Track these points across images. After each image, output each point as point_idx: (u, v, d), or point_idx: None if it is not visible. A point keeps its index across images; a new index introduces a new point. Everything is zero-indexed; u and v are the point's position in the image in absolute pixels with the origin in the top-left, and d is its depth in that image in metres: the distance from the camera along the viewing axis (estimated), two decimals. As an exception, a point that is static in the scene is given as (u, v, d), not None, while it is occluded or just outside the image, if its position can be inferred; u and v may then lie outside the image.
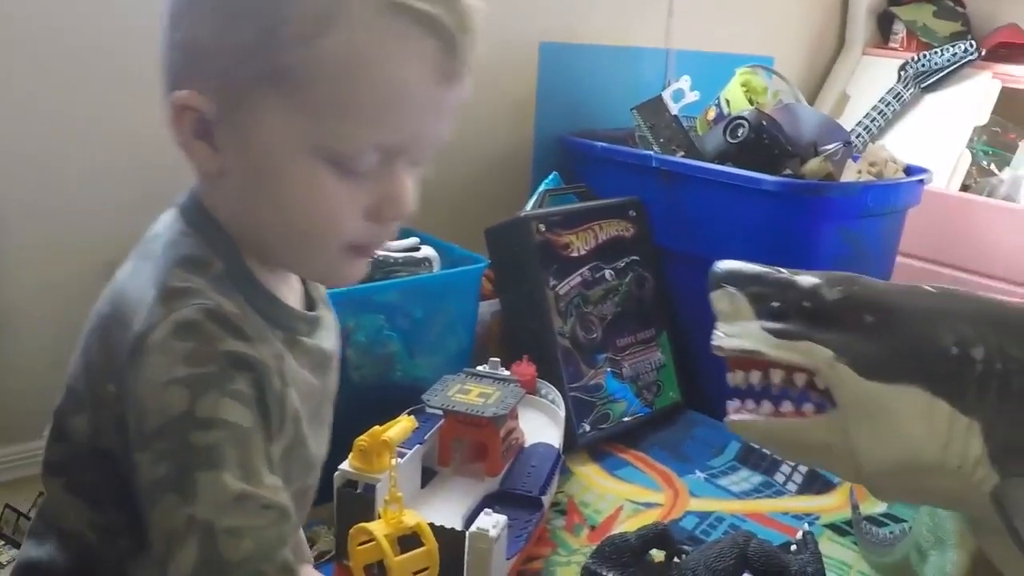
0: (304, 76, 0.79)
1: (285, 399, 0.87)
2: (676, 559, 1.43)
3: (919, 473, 1.09)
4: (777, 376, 1.12)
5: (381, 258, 1.85)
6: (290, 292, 0.95)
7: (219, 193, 0.88)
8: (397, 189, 0.86)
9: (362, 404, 1.59)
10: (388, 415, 1.48)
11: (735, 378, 1.16)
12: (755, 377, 1.14)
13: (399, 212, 0.87)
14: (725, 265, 1.17)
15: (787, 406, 1.13)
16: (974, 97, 2.99)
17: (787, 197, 2.00)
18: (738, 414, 1.15)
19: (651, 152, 2.22)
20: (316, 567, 1.49)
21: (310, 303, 1.00)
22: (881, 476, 1.11)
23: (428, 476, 1.62)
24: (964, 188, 2.90)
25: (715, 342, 1.15)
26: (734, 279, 1.15)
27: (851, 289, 1.12)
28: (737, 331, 1.14)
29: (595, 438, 2.00)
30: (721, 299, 1.16)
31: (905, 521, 1.69)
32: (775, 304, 1.12)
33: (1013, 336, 1.10)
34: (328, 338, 1.00)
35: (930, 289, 1.16)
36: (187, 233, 0.89)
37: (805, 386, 1.12)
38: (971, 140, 2.96)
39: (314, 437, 0.96)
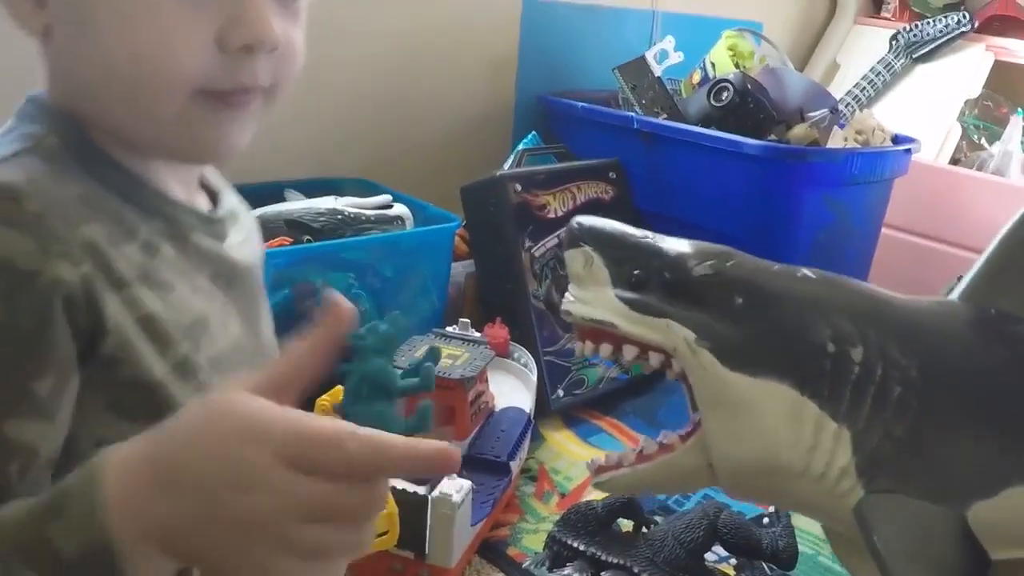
0: None
1: (105, 306, 0.69)
2: (644, 529, 1.40)
3: (779, 477, 0.99)
4: (630, 353, 1.02)
5: (352, 215, 1.81)
6: (178, 186, 0.80)
7: (52, 66, 0.75)
8: (243, 7, 0.71)
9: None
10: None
11: (585, 349, 1.06)
12: (606, 351, 1.03)
13: (250, 36, 0.71)
14: (584, 221, 1.06)
15: (649, 445, 1.03)
16: (966, 70, 2.96)
17: (770, 162, 1.97)
18: (601, 474, 1.06)
19: (632, 113, 2.18)
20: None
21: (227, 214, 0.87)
22: (737, 476, 1.01)
23: (394, 438, 1.58)
24: (954, 161, 2.87)
25: (565, 307, 1.05)
26: (592, 238, 1.04)
27: (722, 265, 1.01)
28: (590, 297, 1.03)
29: (569, 404, 1.96)
30: (576, 259, 1.04)
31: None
32: (635, 272, 1.01)
33: (897, 338, 1.00)
34: (240, 249, 0.87)
35: (811, 275, 1.04)
36: (16, 124, 0.75)
37: (661, 368, 1.02)
38: (962, 113, 2.94)
39: (237, 363, 0.80)
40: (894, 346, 0.98)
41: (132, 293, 0.70)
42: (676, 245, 1.02)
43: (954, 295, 1.10)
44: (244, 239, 0.89)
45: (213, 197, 0.87)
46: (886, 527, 0.96)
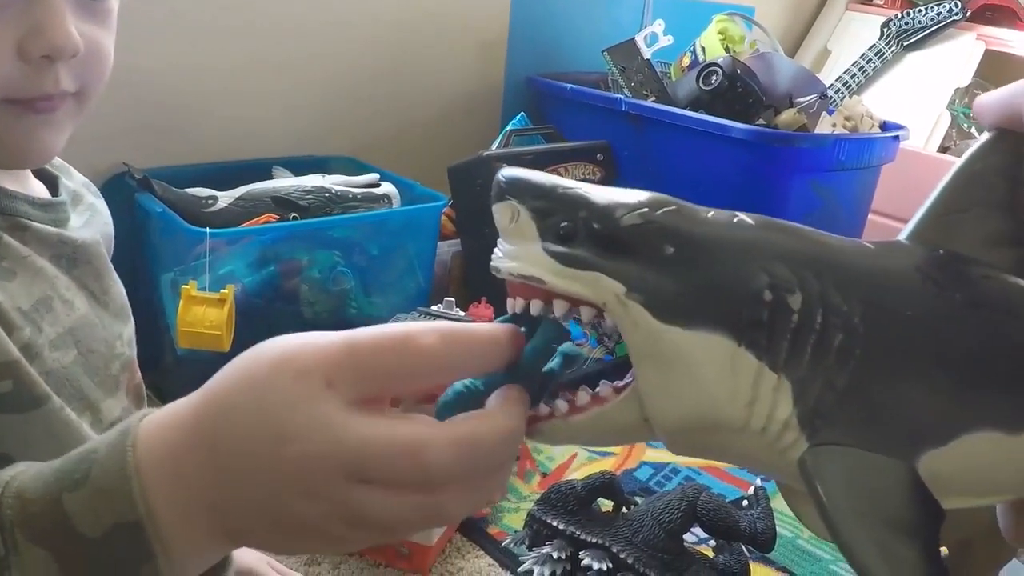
0: None
1: None
2: (624, 509, 1.40)
3: (719, 432, 0.91)
4: (560, 308, 0.92)
5: (339, 193, 1.81)
6: (8, 179, 0.82)
7: None
8: (41, 14, 0.72)
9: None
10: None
11: (515, 305, 0.96)
12: (536, 307, 0.93)
13: (48, 45, 0.72)
14: (509, 173, 0.95)
15: (582, 397, 0.92)
16: (957, 58, 2.96)
17: (757, 146, 1.96)
18: (533, 424, 0.93)
19: (621, 96, 2.18)
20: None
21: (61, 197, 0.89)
22: (675, 432, 0.92)
23: (378, 416, 1.58)
24: (943, 149, 2.87)
25: (493, 262, 0.93)
26: (518, 190, 0.94)
27: (652, 215, 0.91)
28: (518, 252, 0.93)
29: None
30: (503, 212, 0.94)
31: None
32: (563, 224, 0.92)
33: (838, 282, 0.92)
34: (83, 230, 0.89)
35: (748, 220, 0.95)
36: None
37: (592, 323, 0.92)
38: (952, 101, 2.94)
39: (76, 343, 0.83)
40: (835, 292, 0.92)
41: None
42: (607, 195, 0.92)
43: (901, 236, 1.07)
44: (88, 219, 0.91)
45: (52, 183, 0.90)
46: (831, 480, 0.90)
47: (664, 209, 0.89)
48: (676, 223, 0.89)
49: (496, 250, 0.94)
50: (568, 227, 0.89)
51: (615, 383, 0.90)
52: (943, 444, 0.93)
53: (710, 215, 0.92)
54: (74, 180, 0.96)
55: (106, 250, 0.95)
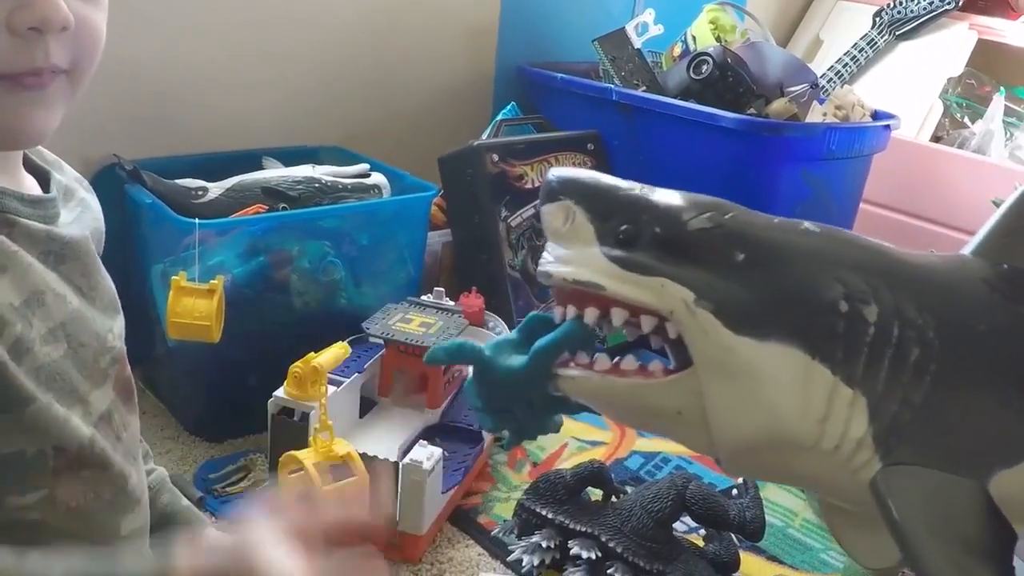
0: None
1: None
2: (614, 499, 1.41)
3: (786, 451, 0.91)
4: (619, 317, 0.93)
5: (329, 183, 1.81)
6: (4, 176, 0.82)
7: None
8: None
9: (305, 331, 1.58)
10: (331, 343, 1.46)
11: (566, 313, 0.96)
12: (591, 316, 0.93)
13: (36, 17, 0.72)
14: (564, 173, 0.97)
15: (629, 362, 0.94)
16: (949, 48, 2.95)
17: (747, 135, 1.97)
18: (567, 368, 0.96)
19: (611, 85, 2.18)
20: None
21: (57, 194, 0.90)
22: (739, 451, 0.93)
23: (368, 407, 1.59)
24: (936, 139, 2.87)
25: (544, 268, 0.96)
26: (574, 191, 0.95)
27: (720, 218, 0.92)
28: (573, 257, 0.93)
29: (544, 374, 1.97)
30: (556, 214, 0.95)
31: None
32: (623, 227, 0.92)
33: (912, 295, 0.92)
34: (73, 226, 0.89)
35: (814, 228, 0.96)
36: None
37: (654, 333, 0.93)
38: (945, 91, 2.93)
39: (67, 337, 0.84)
40: (910, 304, 0.92)
41: None
42: (667, 197, 0.94)
43: (966, 250, 1.03)
44: (78, 215, 0.92)
45: (44, 178, 0.90)
46: (906, 502, 0.89)
47: (731, 214, 0.92)
48: (745, 229, 0.92)
49: (545, 254, 0.97)
50: (629, 230, 0.92)
51: (666, 363, 0.95)
52: (1015, 464, 0.93)
53: (776, 221, 0.95)
54: (66, 175, 0.96)
55: (96, 245, 0.95)
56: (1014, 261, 0.99)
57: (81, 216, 0.93)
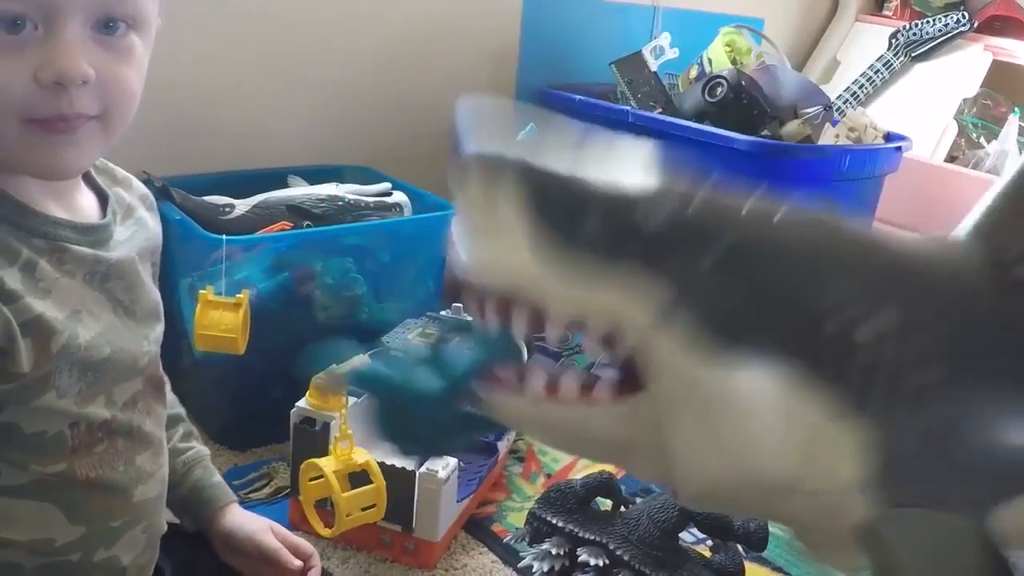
0: None
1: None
2: (622, 508, 1.45)
3: (762, 493, 0.76)
4: (555, 331, 0.75)
5: (352, 202, 1.85)
6: (56, 204, 0.93)
7: None
8: (53, 49, 0.82)
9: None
10: (352, 357, 1.49)
11: (487, 323, 0.77)
12: (520, 327, 0.75)
13: (54, 73, 0.82)
14: (484, 135, 0.76)
15: (568, 383, 0.76)
16: (964, 69, 2.98)
17: (760, 157, 2.00)
18: (495, 393, 0.79)
19: (628, 108, 2.22)
20: (274, 504, 1.53)
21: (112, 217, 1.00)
22: (704, 494, 0.78)
23: (387, 418, 1.62)
24: (951, 159, 2.89)
25: (466, 264, 0.76)
26: (500, 164, 0.74)
27: (685, 207, 0.73)
28: (499, 253, 0.74)
29: (559, 388, 2.00)
30: (475, 195, 0.74)
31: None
32: (567, 216, 0.72)
33: (917, 306, 0.76)
34: (124, 245, 1.00)
35: (798, 216, 0.78)
36: None
37: (602, 347, 0.76)
38: (960, 111, 2.96)
39: (108, 343, 0.95)
40: (915, 317, 0.75)
41: (21, 304, 0.86)
42: (624, 175, 0.74)
43: (961, 229, 0.86)
44: (132, 234, 1.02)
45: (105, 198, 1.01)
46: (907, 551, 0.76)
47: (699, 200, 0.73)
48: (719, 221, 0.73)
49: (464, 246, 0.76)
50: (574, 218, 0.71)
51: (614, 376, 0.76)
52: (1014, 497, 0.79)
53: (754, 208, 0.76)
54: (133, 192, 1.08)
55: (151, 257, 1.07)
56: (1012, 242, 0.82)
57: (134, 235, 1.03)
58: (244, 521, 1.18)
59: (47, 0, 0.81)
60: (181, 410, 1.23)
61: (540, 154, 0.74)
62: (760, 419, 0.71)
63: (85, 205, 0.98)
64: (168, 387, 1.19)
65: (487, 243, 0.75)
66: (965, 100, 2.96)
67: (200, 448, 1.22)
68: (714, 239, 0.72)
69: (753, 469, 0.72)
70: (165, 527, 1.09)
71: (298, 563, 1.15)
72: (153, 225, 1.08)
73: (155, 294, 1.05)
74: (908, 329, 0.74)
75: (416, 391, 0.81)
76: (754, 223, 0.74)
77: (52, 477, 0.91)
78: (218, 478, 1.20)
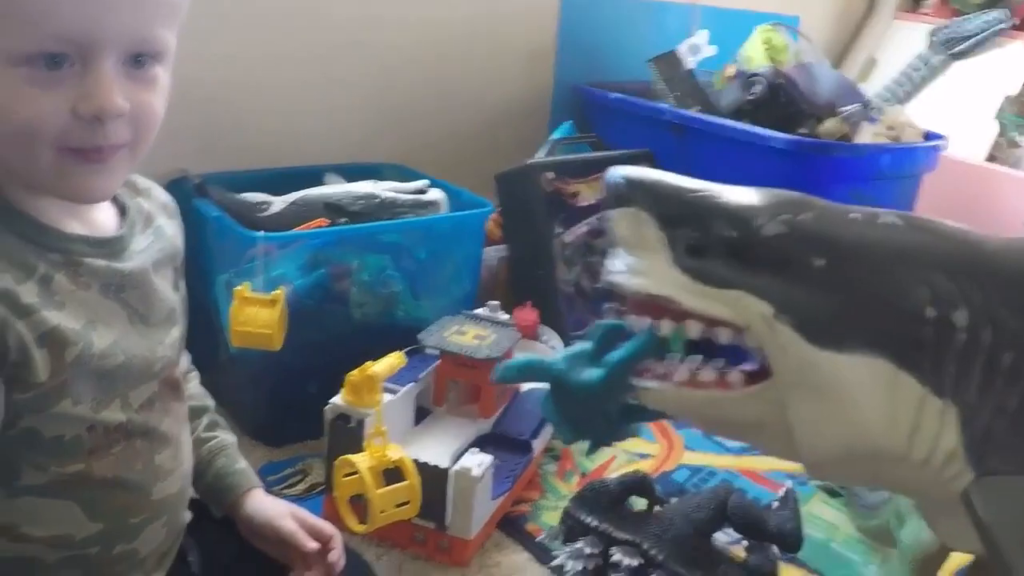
0: None
1: (12, 333, 0.87)
2: (656, 508, 1.44)
3: (875, 463, 0.89)
4: (695, 330, 0.90)
5: (389, 199, 1.86)
6: (74, 221, 0.96)
7: None
8: (91, 84, 0.86)
9: (364, 342, 1.61)
10: (388, 354, 1.50)
11: (638, 324, 0.93)
12: (667, 327, 0.90)
13: (94, 108, 0.86)
14: (630, 174, 0.92)
15: (707, 372, 0.91)
16: (1005, 67, 2.96)
17: (797, 155, 1.99)
18: (645, 380, 0.94)
19: (665, 105, 2.21)
20: (308, 499, 1.53)
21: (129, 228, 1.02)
22: (824, 464, 0.91)
23: (423, 415, 1.63)
24: (991, 159, 2.87)
25: (614, 278, 0.93)
26: (640, 196, 0.91)
27: (796, 220, 0.87)
28: (644, 267, 0.90)
29: (595, 386, 2.00)
30: (623, 222, 0.92)
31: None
32: (695, 234, 0.88)
33: (1004, 294, 0.87)
34: (140, 255, 1.02)
35: (897, 221, 0.91)
36: None
37: (732, 342, 0.90)
38: (1000, 110, 2.93)
39: (122, 351, 0.97)
40: (1002, 306, 0.87)
41: (36, 317, 0.88)
42: (740, 197, 0.90)
43: None
44: (150, 243, 1.05)
45: (124, 208, 1.03)
46: (1000, 513, 0.86)
47: (807, 213, 0.88)
48: (823, 231, 0.87)
49: (614, 262, 0.93)
50: (700, 238, 0.88)
51: (745, 366, 0.91)
52: None
53: (857, 218, 0.90)
54: (153, 200, 1.10)
55: (169, 266, 1.08)
56: None
57: (151, 244, 1.05)
58: (265, 506, 1.19)
59: (86, 40, 0.84)
60: (209, 401, 1.24)
61: (668, 176, 0.91)
62: (867, 401, 0.84)
63: (103, 219, 1.00)
64: (197, 379, 1.23)
65: (634, 257, 0.91)
66: (1006, 98, 2.93)
67: (225, 436, 1.23)
68: (820, 245, 0.86)
69: (865, 443, 0.85)
70: (188, 518, 1.11)
71: (314, 545, 1.15)
72: (172, 233, 1.11)
73: (171, 299, 1.07)
74: (1000, 314, 0.86)
75: (580, 382, 0.97)
76: (854, 230, 0.88)
77: (71, 477, 0.94)
78: (242, 464, 1.21)
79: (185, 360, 1.17)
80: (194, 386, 1.21)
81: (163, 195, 1.13)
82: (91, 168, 0.90)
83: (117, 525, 0.99)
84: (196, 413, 1.19)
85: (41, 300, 0.89)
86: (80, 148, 0.88)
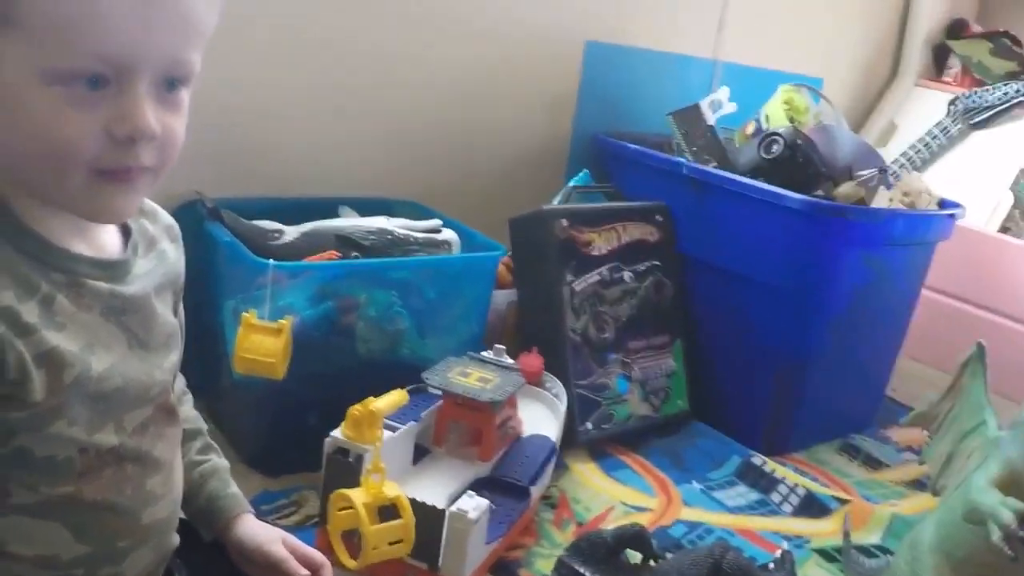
0: (26, 5, 0.83)
1: (11, 352, 0.87)
2: (652, 562, 1.43)
3: None
4: None
5: (401, 236, 1.86)
6: (79, 241, 0.96)
7: None
8: (127, 106, 0.86)
9: (367, 377, 1.60)
10: (391, 390, 1.50)
11: None
12: None
13: (129, 129, 0.86)
14: None
15: None
16: (1022, 139, 2.96)
17: (811, 216, 1.99)
18: None
19: (683, 159, 2.22)
20: (301, 531, 1.52)
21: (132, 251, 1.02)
22: None
23: (422, 454, 1.63)
24: (1004, 230, 2.87)
25: None
26: None
27: None
28: None
29: (596, 437, 2.00)
30: None
31: (893, 554, 1.68)
32: None
33: None
34: (142, 279, 1.02)
35: None
36: None
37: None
38: (1016, 182, 2.93)
39: (119, 375, 0.97)
40: None
41: (36, 337, 0.88)
42: None
43: None
44: (153, 267, 1.05)
45: (128, 231, 1.04)
46: None
47: None
48: None
49: None
50: None
51: None
52: None
53: None
54: (158, 223, 1.10)
55: (169, 290, 1.08)
56: None
57: (154, 268, 1.05)
58: (256, 531, 1.18)
59: (128, 61, 0.85)
60: (203, 425, 1.24)
61: None
62: None
63: (108, 241, 1.00)
64: (191, 402, 1.23)
65: None
66: (1022, 170, 2.93)
67: (217, 460, 1.23)
68: None
69: None
70: (176, 542, 1.11)
71: (304, 572, 1.15)
72: (175, 257, 1.11)
73: (171, 324, 1.07)
74: None
75: None
76: None
77: (60, 499, 0.94)
78: (233, 489, 1.21)
79: (179, 383, 1.17)
80: (188, 409, 1.20)
81: (167, 218, 1.13)
82: (118, 188, 0.91)
83: (104, 548, 0.98)
84: (189, 436, 1.18)
85: (42, 320, 0.89)
86: (110, 169, 0.89)
